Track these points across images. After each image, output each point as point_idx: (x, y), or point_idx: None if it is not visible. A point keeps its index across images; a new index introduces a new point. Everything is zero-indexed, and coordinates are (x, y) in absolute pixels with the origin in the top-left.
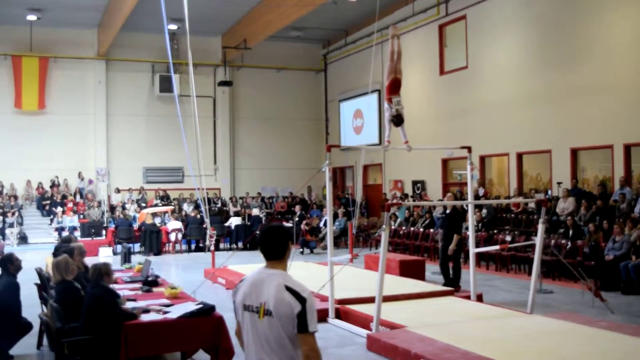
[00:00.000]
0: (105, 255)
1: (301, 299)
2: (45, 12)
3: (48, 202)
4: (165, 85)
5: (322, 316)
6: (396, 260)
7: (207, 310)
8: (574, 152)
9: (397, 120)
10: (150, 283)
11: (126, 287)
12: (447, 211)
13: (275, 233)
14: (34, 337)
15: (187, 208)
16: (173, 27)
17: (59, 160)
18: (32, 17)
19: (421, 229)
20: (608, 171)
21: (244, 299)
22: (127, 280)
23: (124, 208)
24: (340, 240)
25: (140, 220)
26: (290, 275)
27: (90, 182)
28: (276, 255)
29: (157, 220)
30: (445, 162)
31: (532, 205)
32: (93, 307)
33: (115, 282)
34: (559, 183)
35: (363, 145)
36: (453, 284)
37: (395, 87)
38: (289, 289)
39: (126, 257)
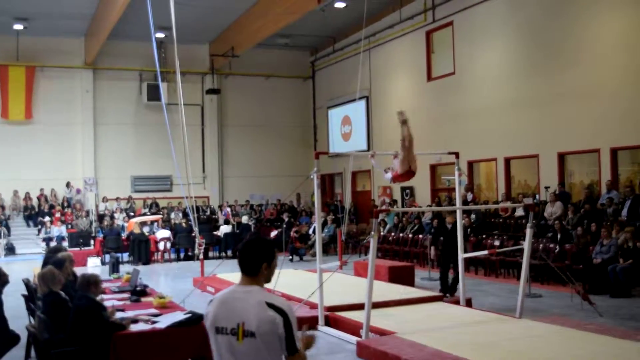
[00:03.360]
0: (94, 265)
1: (283, 313)
2: (31, 21)
3: (30, 212)
4: (153, 94)
5: (312, 323)
6: (385, 266)
7: (195, 320)
8: (561, 157)
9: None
10: (138, 293)
11: (114, 297)
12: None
13: (253, 247)
14: (21, 349)
15: (176, 217)
16: (160, 35)
17: (46, 170)
18: (18, 27)
19: (410, 235)
20: (595, 175)
21: (214, 321)
22: (116, 290)
23: (112, 218)
24: (329, 247)
25: (128, 230)
26: (268, 291)
27: (78, 191)
28: (253, 271)
29: (146, 230)
30: (433, 168)
31: (520, 211)
32: (78, 318)
33: (104, 292)
34: (546, 187)
35: (351, 151)
36: (450, 290)
37: (406, 179)
38: (270, 305)
39: (114, 267)
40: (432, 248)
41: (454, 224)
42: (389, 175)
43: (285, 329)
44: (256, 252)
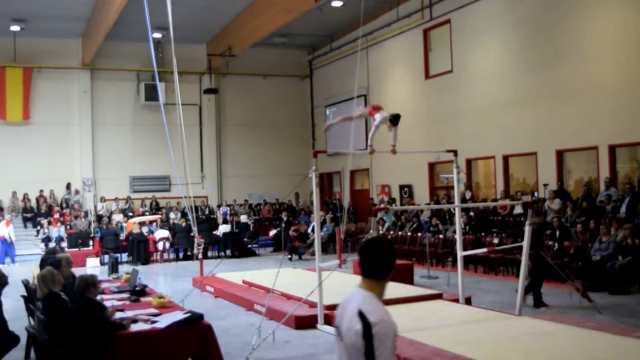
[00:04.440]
0: (93, 265)
1: (366, 324)
2: (29, 22)
3: (29, 214)
4: (151, 94)
5: (312, 322)
6: None
7: (195, 320)
8: (560, 154)
9: (394, 118)
10: (138, 293)
11: (114, 297)
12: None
13: (374, 249)
14: (21, 350)
15: (175, 216)
16: (158, 35)
17: (44, 171)
18: (15, 28)
19: (409, 233)
20: (593, 172)
21: (335, 319)
22: (115, 290)
23: (109, 218)
24: (328, 245)
25: (127, 230)
26: (376, 298)
27: (77, 192)
28: (369, 274)
29: (145, 230)
30: (432, 166)
31: (519, 208)
32: (78, 319)
33: (103, 293)
34: (545, 185)
35: (350, 150)
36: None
37: (376, 109)
38: (360, 313)
39: (113, 267)
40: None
41: (540, 225)
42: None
43: (365, 341)
44: (377, 255)
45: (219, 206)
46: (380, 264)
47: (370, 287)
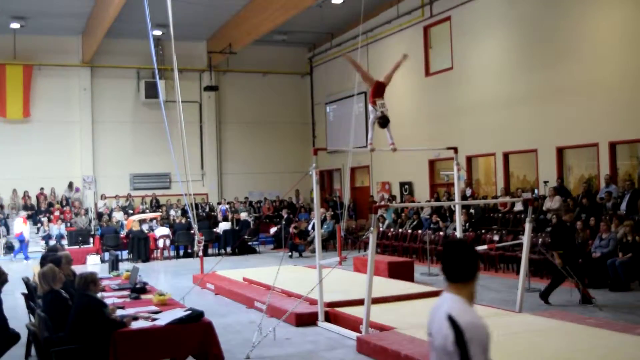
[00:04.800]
0: (93, 263)
1: (457, 330)
2: (28, 20)
3: (30, 212)
4: (151, 91)
5: (312, 319)
6: (385, 262)
7: (196, 317)
8: (560, 151)
9: (383, 121)
10: (138, 290)
11: (114, 295)
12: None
13: (454, 249)
14: (21, 347)
15: (175, 214)
16: (158, 32)
17: (45, 168)
18: (15, 25)
19: (409, 231)
20: (594, 169)
21: (428, 324)
22: (115, 287)
23: (110, 216)
24: (328, 243)
25: (127, 228)
26: (465, 302)
27: (77, 190)
28: (454, 278)
29: (145, 227)
30: (432, 163)
31: (519, 205)
32: (79, 316)
33: (104, 290)
34: (545, 182)
35: (350, 147)
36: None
37: (379, 90)
38: (450, 318)
39: (114, 265)
40: (554, 254)
41: (558, 221)
42: (371, 108)
43: (459, 346)
44: (459, 258)
45: (218, 204)
46: (463, 266)
47: (458, 290)
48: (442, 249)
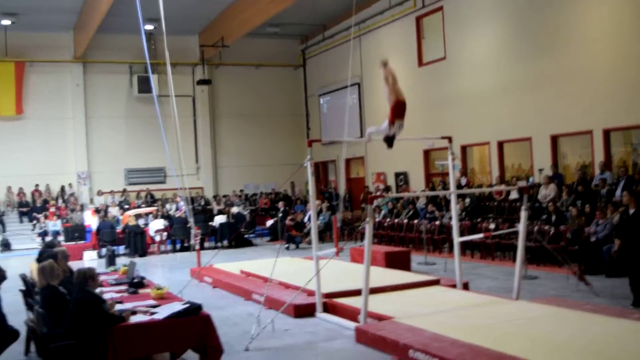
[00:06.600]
0: (90, 258)
1: None
2: (20, 16)
3: (25, 209)
4: (144, 86)
5: (310, 311)
6: (381, 252)
7: (194, 310)
8: (554, 139)
9: (390, 142)
10: (136, 285)
11: (112, 290)
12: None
13: None
14: (21, 344)
15: (170, 207)
16: (150, 27)
17: (39, 165)
18: (6, 22)
19: (405, 220)
20: (588, 157)
21: None
22: (113, 282)
23: (106, 212)
24: (325, 234)
25: (124, 223)
26: None
27: (71, 186)
28: None
29: (141, 222)
30: (427, 153)
31: (514, 193)
32: (78, 312)
33: (102, 285)
34: (540, 170)
35: (345, 138)
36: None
37: (400, 110)
38: None
39: (111, 260)
40: (617, 241)
41: (637, 209)
42: (386, 124)
43: None
44: None
45: (214, 197)
46: None
47: None
48: None
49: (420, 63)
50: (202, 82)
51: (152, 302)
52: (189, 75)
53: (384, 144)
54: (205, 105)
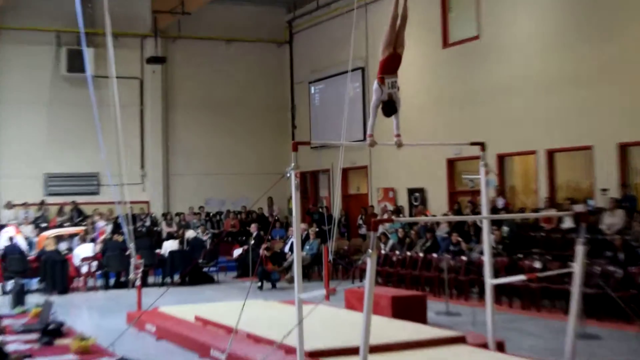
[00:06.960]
0: None
1: None
2: None
3: None
4: (75, 63)
5: None
6: (388, 296)
7: None
8: (623, 148)
9: (389, 108)
10: (51, 333)
11: (18, 340)
12: None
13: None
14: None
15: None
16: None
17: None
18: None
19: (421, 254)
20: None
21: None
22: (20, 329)
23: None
24: (312, 270)
25: (39, 247)
26: None
27: None
28: None
29: (63, 247)
30: (451, 164)
31: (568, 221)
32: None
33: (3, 332)
34: (603, 190)
35: (342, 141)
36: None
37: (392, 64)
38: None
39: (19, 298)
40: None
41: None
42: (377, 86)
43: None
44: None
45: (164, 215)
46: None
47: None
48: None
49: (446, 43)
50: (153, 60)
51: (72, 357)
52: (136, 50)
53: (393, 146)
54: (157, 92)
